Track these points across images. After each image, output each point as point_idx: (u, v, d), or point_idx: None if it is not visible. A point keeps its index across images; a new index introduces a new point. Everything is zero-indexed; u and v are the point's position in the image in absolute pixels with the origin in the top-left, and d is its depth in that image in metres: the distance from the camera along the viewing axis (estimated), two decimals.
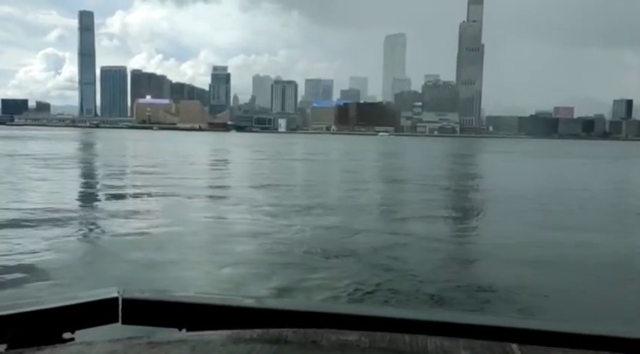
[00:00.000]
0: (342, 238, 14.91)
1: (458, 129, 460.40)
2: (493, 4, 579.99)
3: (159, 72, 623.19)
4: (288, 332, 1.61)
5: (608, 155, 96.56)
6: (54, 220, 16.60)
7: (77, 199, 24.09)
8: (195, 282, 10.66)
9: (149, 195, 24.66)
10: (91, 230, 15.91)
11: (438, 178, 39.47)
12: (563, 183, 37.75)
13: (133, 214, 18.85)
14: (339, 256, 12.72)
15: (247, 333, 1.60)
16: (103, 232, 15.69)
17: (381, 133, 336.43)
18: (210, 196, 25.33)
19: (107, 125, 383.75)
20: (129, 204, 21.99)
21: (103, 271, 11.43)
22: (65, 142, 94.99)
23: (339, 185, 33.50)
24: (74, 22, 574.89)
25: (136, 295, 1.87)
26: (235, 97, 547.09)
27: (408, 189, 31.45)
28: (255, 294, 9.50)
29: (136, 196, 24.63)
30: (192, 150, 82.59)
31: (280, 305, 1.99)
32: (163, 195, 24.49)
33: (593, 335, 1.69)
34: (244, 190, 27.78)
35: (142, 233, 15.26)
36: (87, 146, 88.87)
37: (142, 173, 36.39)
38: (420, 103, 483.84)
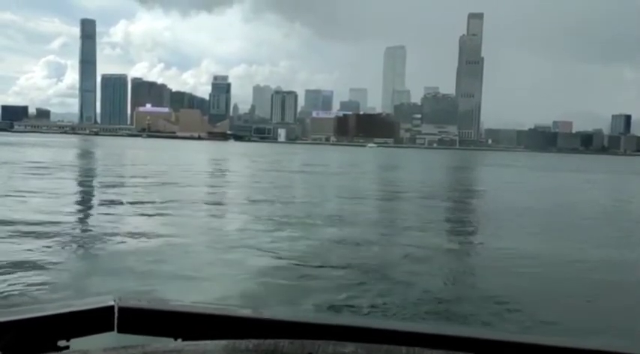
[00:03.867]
0: None
1: (457, 141, 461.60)
2: (493, 18, 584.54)
3: (160, 81, 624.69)
4: (284, 343, 1.59)
5: (626, 170, 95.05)
6: None
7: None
8: None
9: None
10: None
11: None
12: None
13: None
14: None
15: (243, 343, 1.59)
16: None
17: (369, 145, 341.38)
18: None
19: (107, 133, 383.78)
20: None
21: None
22: (58, 150, 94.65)
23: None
24: (77, 30, 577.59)
25: (132, 303, 1.86)
26: (235, 107, 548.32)
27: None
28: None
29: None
30: (193, 161, 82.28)
31: (277, 316, 1.96)
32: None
33: (587, 349, 1.70)
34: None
35: None
36: (83, 154, 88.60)
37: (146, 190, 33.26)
38: (419, 115, 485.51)
